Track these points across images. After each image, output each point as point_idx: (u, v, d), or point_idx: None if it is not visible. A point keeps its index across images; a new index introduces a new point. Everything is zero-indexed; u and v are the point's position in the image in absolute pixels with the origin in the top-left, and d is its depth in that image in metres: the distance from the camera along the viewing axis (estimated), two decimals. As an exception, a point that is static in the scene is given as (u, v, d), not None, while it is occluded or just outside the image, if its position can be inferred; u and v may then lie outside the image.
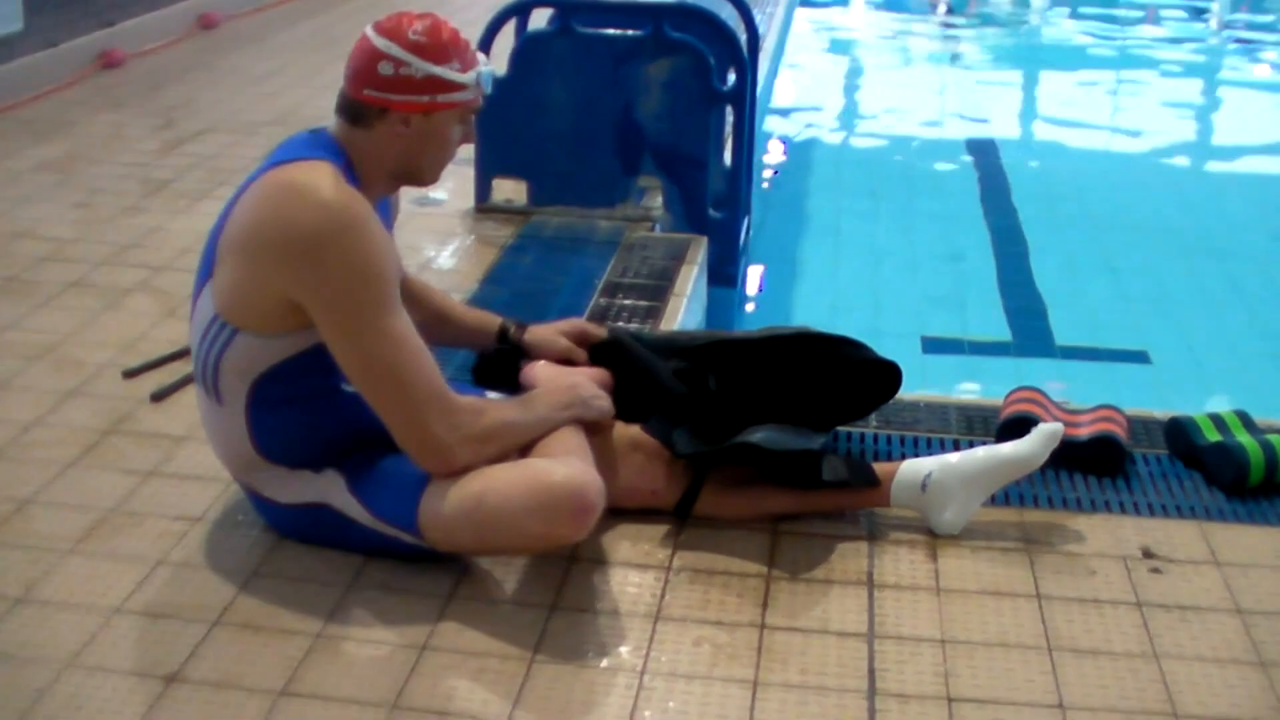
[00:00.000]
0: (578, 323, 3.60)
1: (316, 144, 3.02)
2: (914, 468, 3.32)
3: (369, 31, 3.01)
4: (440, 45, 2.99)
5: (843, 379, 3.51)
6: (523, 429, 3.06)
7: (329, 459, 3.09)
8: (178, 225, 5.45)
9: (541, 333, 3.53)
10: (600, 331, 3.55)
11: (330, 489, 3.08)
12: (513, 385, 3.37)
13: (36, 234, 5.33)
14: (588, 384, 3.26)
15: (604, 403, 3.25)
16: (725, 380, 3.49)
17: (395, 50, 2.96)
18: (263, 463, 3.11)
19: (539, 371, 3.36)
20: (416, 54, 2.96)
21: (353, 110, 3.02)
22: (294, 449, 3.10)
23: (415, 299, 3.40)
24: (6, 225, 5.43)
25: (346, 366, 2.95)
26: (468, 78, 3.02)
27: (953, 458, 3.32)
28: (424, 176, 3.14)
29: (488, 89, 3.08)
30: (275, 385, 3.02)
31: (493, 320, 3.59)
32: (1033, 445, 3.30)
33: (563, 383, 3.23)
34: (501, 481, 2.91)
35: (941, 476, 3.28)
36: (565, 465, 2.93)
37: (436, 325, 3.47)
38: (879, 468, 3.35)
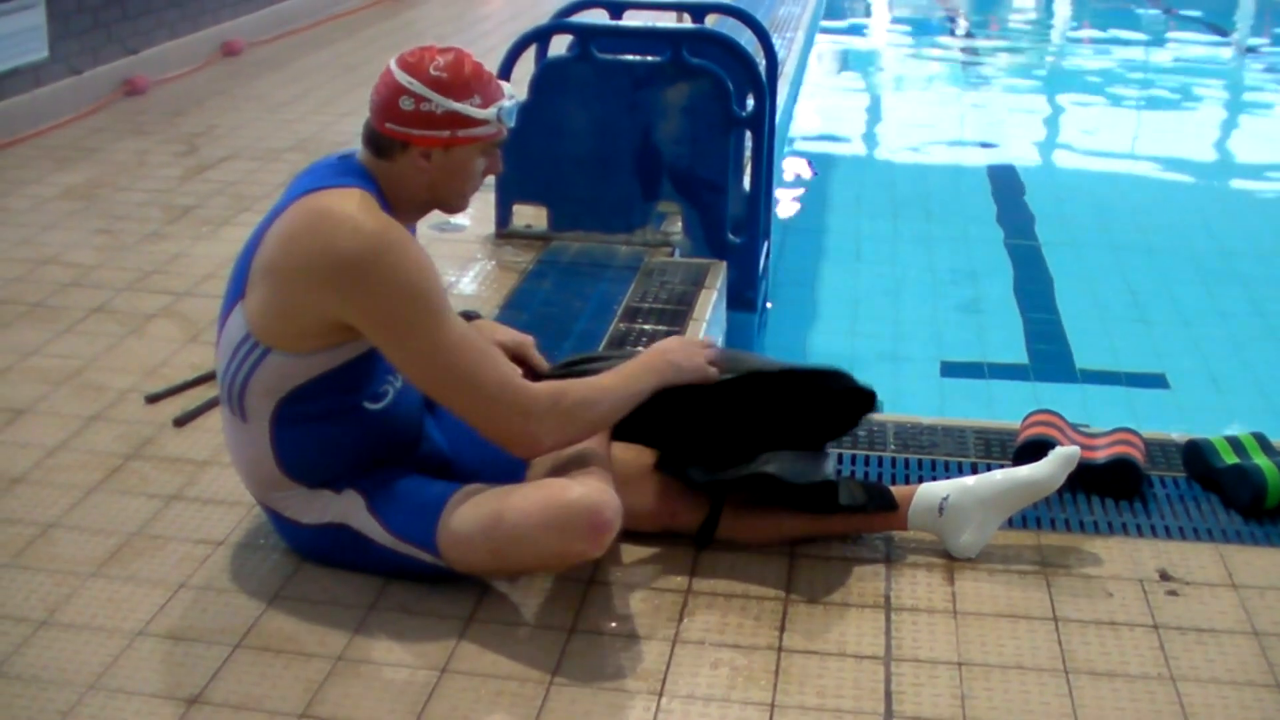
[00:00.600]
0: (526, 344, 3.51)
1: (347, 170, 3.06)
2: (931, 491, 3.33)
3: (392, 65, 3.04)
4: (461, 81, 3.01)
5: (814, 410, 3.42)
6: (606, 405, 3.13)
7: (349, 478, 3.12)
8: (200, 251, 5.49)
9: (483, 329, 3.52)
10: (542, 364, 3.48)
11: (350, 509, 3.10)
12: None
13: (61, 260, 5.38)
14: (682, 346, 3.30)
15: (698, 361, 3.27)
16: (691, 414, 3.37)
17: (416, 86, 2.99)
18: (285, 481, 3.13)
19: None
20: (437, 90, 2.99)
21: (376, 142, 3.06)
22: (316, 466, 3.12)
23: None
24: (32, 251, 5.47)
25: (415, 379, 3.02)
26: (488, 113, 3.04)
27: (969, 481, 3.33)
28: (450, 205, 3.18)
29: (510, 122, 3.10)
30: (301, 403, 3.05)
31: None
32: (1049, 469, 3.31)
33: (656, 348, 3.28)
34: (519, 499, 2.96)
35: (958, 500, 3.29)
36: (582, 484, 2.97)
37: None
38: (896, 491, 3.35)
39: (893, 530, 3.38)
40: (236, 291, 3.05)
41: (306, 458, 3.11)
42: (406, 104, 2.99)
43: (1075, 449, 3.34)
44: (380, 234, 2.89)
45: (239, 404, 3.08)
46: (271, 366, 3.01)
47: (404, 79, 3.00)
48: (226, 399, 3.12)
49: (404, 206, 3.09)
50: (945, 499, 3.29)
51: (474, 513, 2.98)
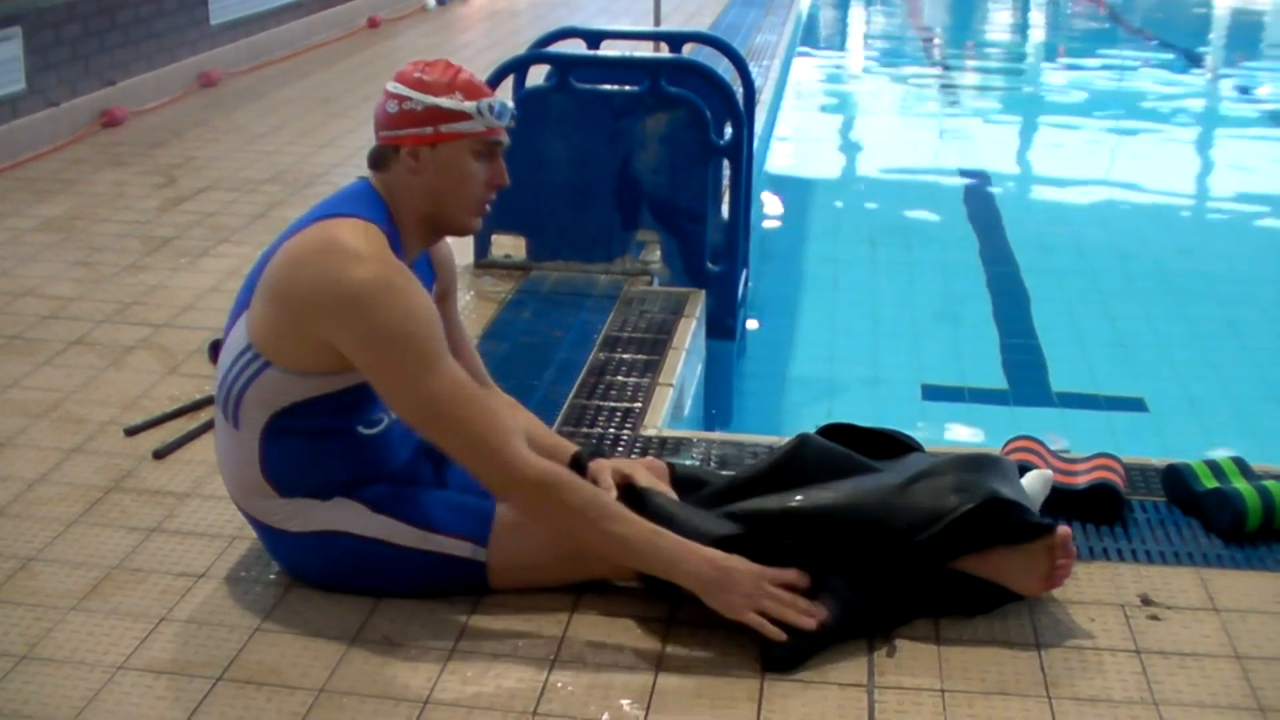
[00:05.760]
0: (637, 472, 3.33)
1: (359, 195, 3.11)
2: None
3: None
4: (443, 81, 3.08)
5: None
6: (594, 531, 3.01)
7: (334, 493, 3.14)
8: (179, 282, 5.48)
9: (606, 463, 3.37)
10: (657, 487, 3.29)
11: (349, 516, 3.12)
12: None
13: (39, 292, 5.37)
14: (748, 577, 3.00)
15: (760, 603, 2.99)
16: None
17: (399, 88, 3.08)
18: (269, 490, 3.14)
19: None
20: (417, 89, 3.06)
21: (373, 156, 3.13)
22: (299, 480, 3.13)
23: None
24: (9, 284, 5.46)
25: (405, 416, 3.02)
26: (468, 106, 3.07)
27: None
28: (454, 217, 3.17)
29: (503, 120, 3.13)
30: (293, 418, 3.08)
31: (568, 448, 3.42)
32: (1028, 490, 3.32)
33: (728, 562, 3.01)
34: None
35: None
36: None
37: None
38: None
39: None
40: (244, 302, 3.09)
41: (290, 471, 3.13)
42: (392, 107, 3.08)
43: (1049, 472, 3.36)
44: (382, 274, 2.91)
45: (234, 412, 3.10)
46: (269, 380, 3.04)
47: (391, 86, 3.10)
48: (222, 404, 3.14)
49: (411, 225, 3.12)
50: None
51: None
